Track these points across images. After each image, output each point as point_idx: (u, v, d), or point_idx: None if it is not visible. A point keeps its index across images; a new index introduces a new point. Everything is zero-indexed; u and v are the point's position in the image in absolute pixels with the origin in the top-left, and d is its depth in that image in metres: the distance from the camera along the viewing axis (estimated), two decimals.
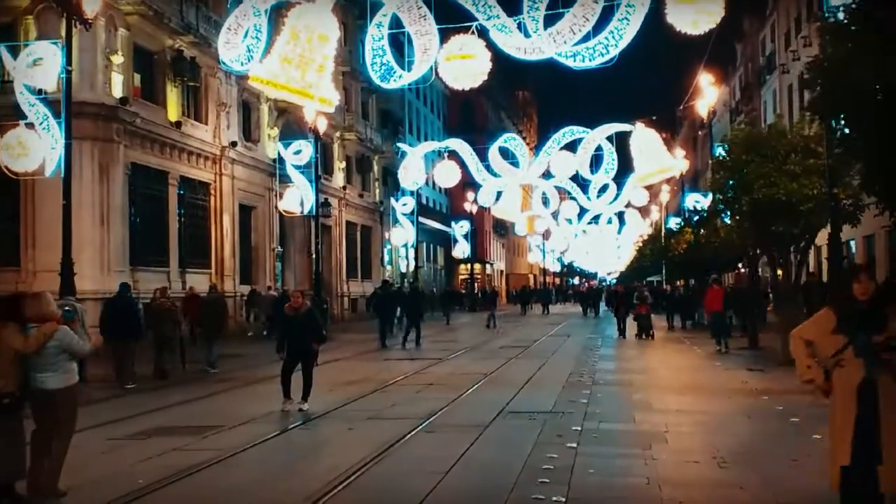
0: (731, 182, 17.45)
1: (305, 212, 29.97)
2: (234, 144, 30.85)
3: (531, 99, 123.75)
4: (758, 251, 20.70)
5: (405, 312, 25.27)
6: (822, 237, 20.80)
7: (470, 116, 79.73)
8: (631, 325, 26.43)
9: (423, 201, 60.64)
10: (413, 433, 9.95)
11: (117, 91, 23.79)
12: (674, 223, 43.83)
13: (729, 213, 18.18)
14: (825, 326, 5.43)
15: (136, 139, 24.92)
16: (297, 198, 30.43)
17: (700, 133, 74.77)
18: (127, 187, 24.37)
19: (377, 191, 49.57)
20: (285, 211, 31.43)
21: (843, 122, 11.10)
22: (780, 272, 17.45)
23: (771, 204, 15.83)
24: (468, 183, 50.86)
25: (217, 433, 10.23)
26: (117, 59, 23.91)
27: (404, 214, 44.89)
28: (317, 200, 28.34)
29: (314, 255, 29.23)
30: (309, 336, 11.84)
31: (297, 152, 30.54)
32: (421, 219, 52.57)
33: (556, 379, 14.98)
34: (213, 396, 13.87)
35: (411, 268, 48.27)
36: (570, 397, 12.49)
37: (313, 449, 9.66)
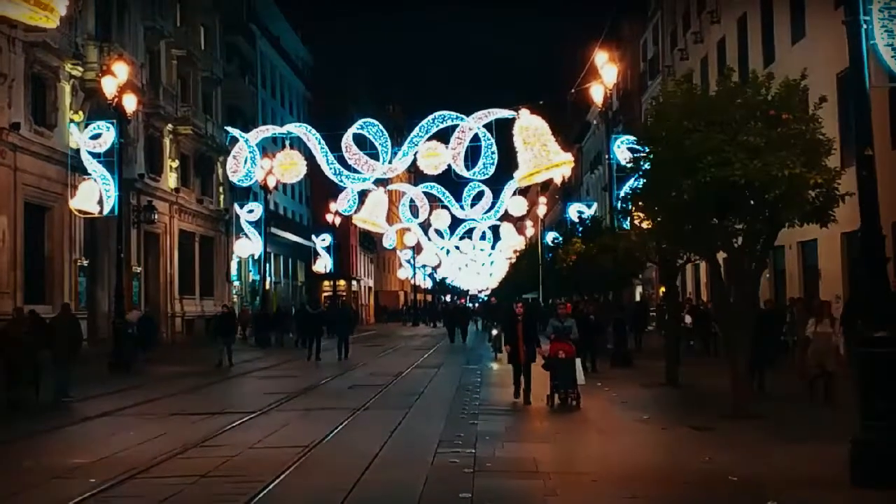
0: (647, 163, 12.62)
1: (105, 212, 23.31)
2: (16, 127, 24.26)
3: (402, 117, 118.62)
4: (690, 256, 15.91)
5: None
6: (784, 238, 16.15)
7: (334, 121, 74.03)
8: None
9: (281, 211, 54.59)
10: None
11: None
12: (551, 237, 40.17)
13: (656, 205, 13.01)
14: None
15: None
16: (95, 194, 23.64)
17: (577, 146, 71.80)
18: None
19: (222, 197, 42.99)
20: (79, 210, 24.59)
21: None
22: (726, 285, 12.57)
23: (723, 189, 10.99)
24: (332, 194, 45.23)
25: None
26: None
27: (249, 223, 38.47)
28: (119, 196, 21.93)
29: (128, 267, 23.05)
30: None
31: (97, 136, 23.79)
32: (275, 230, 46.54)
33: (416, 456, 9.36)
34: None
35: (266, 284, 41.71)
36: None
37: None
